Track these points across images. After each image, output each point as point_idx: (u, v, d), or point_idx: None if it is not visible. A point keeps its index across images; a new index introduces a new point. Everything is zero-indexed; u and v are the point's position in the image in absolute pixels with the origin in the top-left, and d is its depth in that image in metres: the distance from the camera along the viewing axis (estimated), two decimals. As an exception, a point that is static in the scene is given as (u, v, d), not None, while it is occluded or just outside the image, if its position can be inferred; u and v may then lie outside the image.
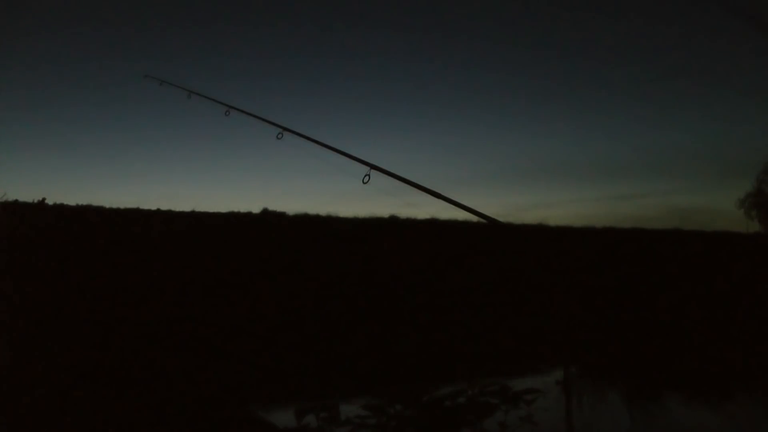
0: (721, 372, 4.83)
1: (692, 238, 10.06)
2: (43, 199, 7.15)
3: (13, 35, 12.30)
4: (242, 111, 4.28)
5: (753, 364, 4.96)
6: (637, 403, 4.25)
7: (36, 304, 4.93)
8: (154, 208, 7.68)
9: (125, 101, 13.81)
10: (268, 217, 8.45)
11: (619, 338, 5.70)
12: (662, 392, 4.46)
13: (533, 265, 6.55)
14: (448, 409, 2.84)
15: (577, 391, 4.46)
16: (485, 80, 15.45)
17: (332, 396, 3.29)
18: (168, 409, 3.35)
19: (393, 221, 8.65)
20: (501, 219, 3.11)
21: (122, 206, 7.55)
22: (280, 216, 8.50)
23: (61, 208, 7.24)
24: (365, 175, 3.20)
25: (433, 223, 8.58)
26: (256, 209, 8.54)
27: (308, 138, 3.75)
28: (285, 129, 3.87)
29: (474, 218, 3.07)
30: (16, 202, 6.79)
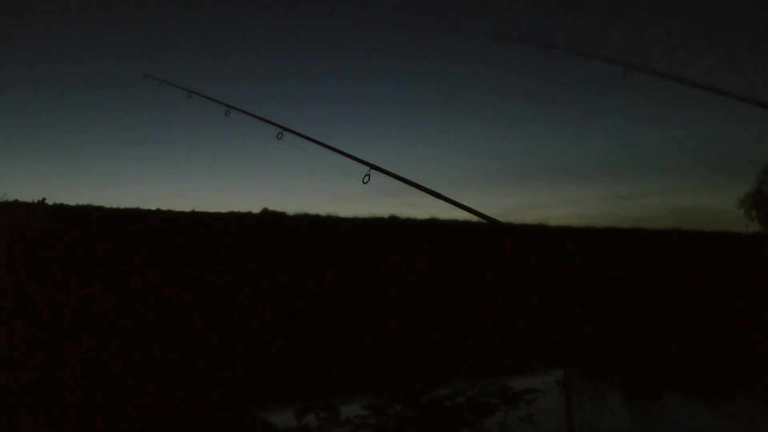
0: (721, 372, 4.82)
1: (692, 238, 10.06)
2: (43, 199, 7.15)
3: (13, 35, 12.29)
4: (242, 111, 4.28)
5: (753, 364, 4.96)
6: (637, 403, 4.24)
7: (36, 304, 4.93)
8: (154, 208, 7.67)
9: (125, 101, 13.78)
10: (268, 217, 8.45)
11: (619, 338, 5.70)
12: (662, 392, 4.46)
13: (533, 265, 6.55)
14: (448, 409, 2.85)
15: (577, 391, 4.46)
16: (485, 80, 15.43)
17: (332, 396, 3.30)
18: (168, 409, 3.35)
19: (393, 221, 8.65)
20: (501, 219, 3.11)
21: (122, 206, 7.54)
22: (280, 216, 8.49)
23: (61, 208, 7.24)
24: (365, 175, 3.20)
25: (433, 223, 8.58)
26: (256, 209, 8.53)
27: (308, 138, 3.75)
28: (285, 129, 3.87)
29: (474, 218, 3.07)
30: (16, 202, 6.79)
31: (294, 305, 5.94)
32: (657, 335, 5.87)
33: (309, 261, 6.90)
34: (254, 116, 4.17)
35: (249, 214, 8.39)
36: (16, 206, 6.71)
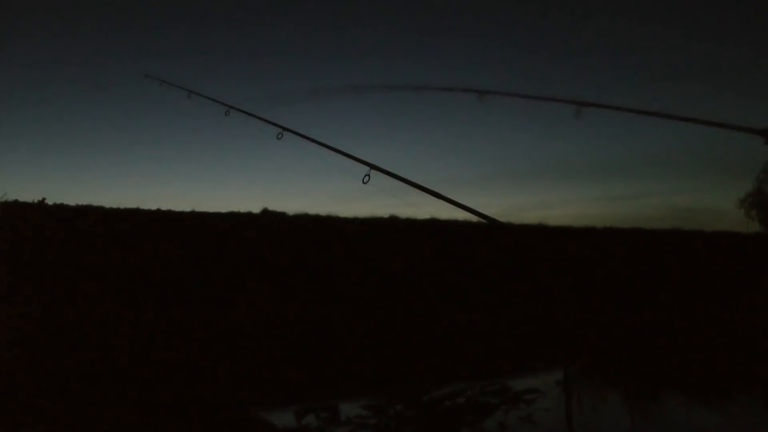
0: (721, 372, 4.82)
1: (692, 238, 10.05)
2: (43, 199, 7.14)
3: (13, 35, 12.29)
4: (242, 111, 4.29)
5: (753, 364, 4.96)
6: (637, 403, 4.24)
7: (36, 304, 4.93)
8: (154, 208, 7.66)
9: (125, 101, 13.78)
10: (268, 217, 8.45)
11: (619, 338, 5.70)
12: (662, 392, 4.46)
13: (533, 265, 6.55)
14: (448, 409, 2.85)
15: (577, 391, 4.46)
16: (485, 80, 15.43)
17: (332, 396, 3.30)
18: (168, 409, 3.35)
19: (393, 221, 8.64)
20: (501, 219, 3.11)
21: (122, 206, 7.53)
22: (280, 216, 8.49)
23: (61, 208, 7.23)
24: (365, 175, 3.20)
25: (433, 223, 8.58)
26: (256, 209, 8.52)
27: (308, 138, 3.76)
28: (285, 129, 3.87)
29: (474, 218, 3.07)
30: (16, 202, 6.79)
31: (294, 305, 5.94)
32: (657, 335, 5.87)
33: (309, 261, 6.90)
34: (254, 116, 4.18)
35: (249, 214, 8.38)
36: (16, 206, 6.71)
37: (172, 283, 5.86)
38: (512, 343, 5.67)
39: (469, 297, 6.69)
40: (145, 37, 13.77)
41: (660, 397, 4.34)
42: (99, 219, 7.03)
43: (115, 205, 7.45)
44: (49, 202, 7.15)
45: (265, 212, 8.49)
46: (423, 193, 3.10)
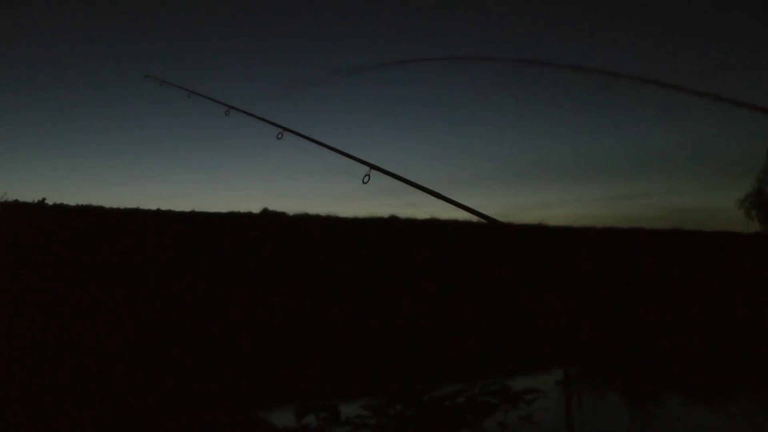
0: (721, 372, 4.83)
1: (692, 238, 10.05)
2: (43, 199, 7.15)
3: (13, 35, 12.29)
4: (242, 111, 4.29)
5: (753, 364, 4.96)
6: (637, 403, 4.24)
7: (36, 304, 4.93)
8: (154, 208, 7.67)
9: (125, 101, 13.79)
10: (268, 217, 8.45)
11: (619, 338, 5.70)
12: (662, 392, 4.46)
13: (533, 265, 6.55)
14: (448, 409, 2.85)
15: (577, 391, 4.46)
16: (485, 80, 15.43)
17: (332, 396, 3.30)
18: (168, 409, 3.35)
19: (393, 221, 8.64)
20: (501, 219, 3.11)
21: (122, 206, 7.54)
22: (280, 216, 8.49)
23: (61, 208, 7.24)
24: (365, 175, 3.20)
25: (433, 223, 8.58)
26: (256, 209, 8.52)
27: (308, 138, 3.76)
28: (285, 129, 3.87)
29: (474, 218, 3.07)
30: (16, 202, 6.79)
31: (294, 305, 5.94)
32: (657, 335, 5.87)
33: (309, 261, 6.90)
34: (254, 116, 4.18)
35: (249, 214, 8.38)
36: (16, 206, 6.71)
37: (172, 283, 5.86)
38: (512, 343, 5.67)
39: (469, 297, 6.69)
40: (145, 37, 13.78)
41: (660, 397, 4.34)
42: (99, 219, 7.03)
43: (115, 205, 7.46)
44: (49, 202, 7.16)
45: (265, 212, 8.50)
46: (423, 193, 3.10)
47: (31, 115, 13.25)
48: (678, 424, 3.68)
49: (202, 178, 14.93)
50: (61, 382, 3.60)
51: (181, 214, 7.75)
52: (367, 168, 3.22)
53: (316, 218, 8.45)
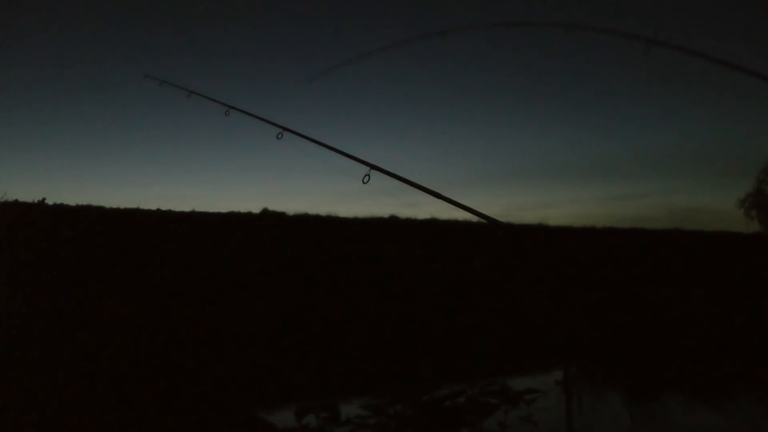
0: (721, 372, 4.82)
1: (692, 238, 10.05)
2: (43, 199, 7.15)
3: (13, 35, 12.29)
4: (242, 111, 4.29)
5: (753, 364, 4.96)
6: (637, 403, 4.24)
7: (36, 304, 4.93)
8: (154, 208, 7.67)
9: (125, 101, 13.79)
10: (268, 217, 8.45)
11: (619, 338, 5.70)
12: (662, 392, 4.46)
13: (533, 265, 6.54)
14: (448, 409, 2.85)
15: (577, 391, 4.46)
16: (485, 80, 15.43)
17: (332, 396, 3.30)
18: (168, 409, 3.35)
19: (393, 221, 8.65)
20: (501, 219, 3.11)
21: (122, 206, 7.54)
22: (280, 216, 8.49)
23: (61, 208, 7.24)
24: (365, 175, 3.20)
25: (433, 223, 8.58)
26: (256, 209, 8.53)
27: (308, 138, 3.76)
28: (285, 129, 3.87)
29: (474, 218, 3.08)
30: (16, 202, 6.79)
31: (294, 305, 5.94)
32: (657, 335, 5.87)
33: (309, 261, 6.90)
34: (254, 116, 4.18)
35: (249, 214, 8.39)
36: (16, 206, 6.71)
37: (172, 283, 5.86)
38: (512, 343, 5.67)
39: (469, 297, 6.69)
40: (145, 37, 13.78)
41: (660, 397, 4.34)
42: (99, 219, 7.03)
43: (115, 205, 7.47)
44: (49, 202, 7.16)
45: (265, 212, 8.50)
46: (423, 193, 3.10)
47: (31, 115, 13.25)
48: (678, 423, 3.68)
49: (202, 178, 14.93)
50: (61, 382, 3.60)
51: (181, 214, 7.76)
52: (367, 168, 3.23)
53: (316, 218, 8.46)
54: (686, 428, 3.59)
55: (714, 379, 4.69)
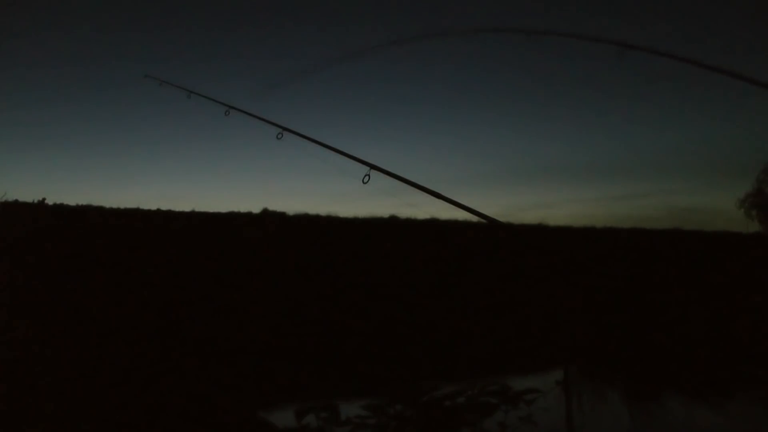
0: (721, 372, 4.82)
1: (692, 238, 10.05)
2: (43, 199, 7.15)
3: (13, 35, 12.29)
4: (242, 111, 4.29)
5: (753, 364, 4.96)
6: (637, 403, 4.24)
7: (36, 304, 4.93)
8: (154, 208, 7.68)
9: (125, 101, 13.80)
10: (268, 217, 8.45)
11: (619, 338, 5.70)
12: (662, 392, 4.46)
13: (533, 265, 6.54)
14: (448, 409, 2.85)
15: (577, 391, 4.46)
16: (485, 80, 15.44)
17: (332, 396, 3.30)
18: (167, 409, 3.35)
19: (393, 221, 8.64)
20: (501, 219, 3.12)
21: (122, 206, 7.54)
22: (280, 216, 8.49)
23: (61, 208, 7.24)
24: (365, 175, 3.21)
25: (433, 223, 8.58)
26: (256, 209, 8.53)
27: (308, 138, 3.76)
28: (285, 129, 3.88)
29: (474, 218, 3.08)
30: (16, 202, 6.79)
31: (294, 305, 5.94)
32: (657, 335, 5.87)
33: (309, 261, 6.90)
34: (254, 116, 4.19)
35: (249, 214, 8.39)
36: (16, 206, 6.72)
37: (172, 283, 5.86)
38: (512, 343, 5.67)
39: (469, 297, 6.69)
40: (145, 37, 13.78)
41: (660, 397, 4.34)
42: (99, 219, 7.03)
43: (115, 205, 7.47)
44: (49, 202, 7.17)
45: (265, 212, 8.50)
46: (423, 193, 3.10)
47: (31, 115, 13.26)
48: (678, 424, 3.68)
49: (202, 178, 14.94)
50: (61, 382, 3.60)
51: (181, 214, 7.76)
52: (367, 168, 3.23)
53: (316, 218, 8.46)
54: (686, 428, 3.59)
55: (714, 379, 4.69)
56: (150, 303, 5.40)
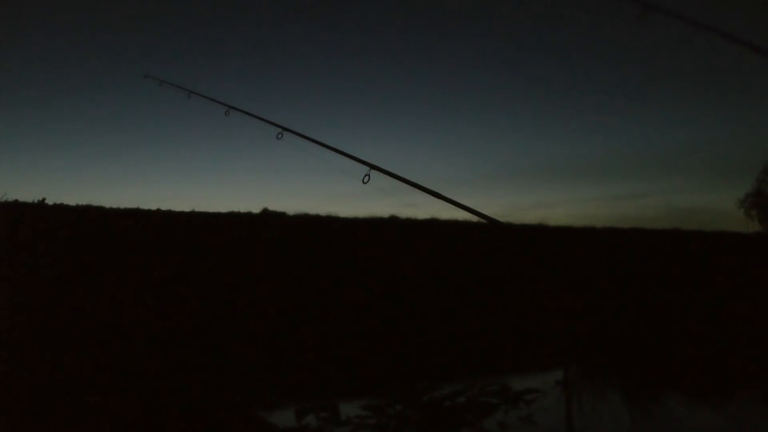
0: (721, 372, 4.83)
1: (692, 238, 10.05)
2: (43, 199, 7.16)
3: (13, 35, 12.29)
4: (242, 111, 4.30)
5: (753, 364, 4.96)
6: (637, 403, 4.25)
7: (36, 304, 4.93)
8: (154, 208, 7.68)
9: (125, 101, 13.82)
10: (268, 217, 8.45)
11: (619, 338, 5.70)
12: (662, 392, 4.46)
13: (533, 265, 6.55)
14: (448, 409, 2.85)
15: (577, 391, 4.46)
16: (485, 80, 15.44)
17: (332, 396, 3.30)
18: (167, 409, 3.35)
19: (393, 221, 8.65)
20: (501, 219, 3.12)
21: (122, 206, 7.55)
22: (280, 216, 8.50)
23: (61, 208, 7.24)
24: (365, 175, 3.21)
25: (433, 223, 8.58)
26: (256, 209, 8.54)
27: (308, 138, 3.77)
28: (285, 129, 3.88)
29: (474, 218, 3.08)
30: (16, 202, 6.80)
31: (294, 305, 5.94)
32: (657, 335, 5.88)
33: (309, 261, 6.90)
34: (254, 116, 4.19)
35: (249, 214, 8.39)
36: (16, 206, 6.72)
37: (172, 283, 5.86)
38: (512, 343, 5.67)
39: (469, 297, 6.69)
40: (145, 37, 13.79)
41: (660, 397, 4.34)
42: (99, 219, 7.04)
43: (115, 205, 7.48)
44: (49, 202, 7.17)
45: (265, 212, 8.51)
46: (423, 193, 3.11)
47: (31, 115, 13.26)
48: (678, 424, 3.68)
49: (202, 178, 14.96)
50: (61, 382, 3.60)
51: (181, 214, 7.77)
52: (367, 168, 3.23)
53: (316, 218, 8.46)
54: (686, 428, 3.59)
55: (714, 379, 4.69)
56: (149, 302, 5.40)
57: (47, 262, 5.68)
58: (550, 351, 5.48)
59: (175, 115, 13.10)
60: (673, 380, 4.73)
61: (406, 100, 15.43)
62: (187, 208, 7.86)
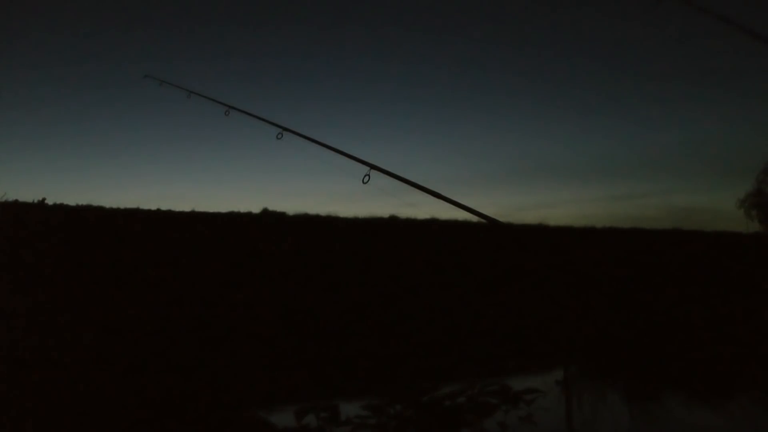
0: (721, 372, 4.82)
1: (692, 238, 10.05)
2: (43, 199, 7.16)
3: (13, 35, 12.29)
4: (242, 111, 4.29)
5: (753, 364, 4.96)
6: (637, 403, 4.24)
7: (36, 304, 4.93)
8: (154, 208, 7.69)
9: (125, 101, 13.82)
10: (268, 217, 8.45)
11: (619, 338, 5.70)
12: (662, 392, 4.46)
13: (533, 264, 6.55)
14: (448, 409, 2.85)
15: (577, 391, 4.46)
16: (485, 80, 15.44)
17: (332, 396, 3.30)
18: (167, 409, 3.35)
19: (393, 221, 8.65)
20: (501, 219, 3.12)
21: (122, 206, 7.56)
22: (280, 216, 8.49)
23: (61, 208, 7.24)
24: (365, 175, 3.21)
25: (433, 223, 8.58)
26: (256, 209, 8.54)
27: (308, 138, 3.76)
28: (285, 129, 3.88)
29: (474, 218, 3.08)
30: (16, 202, 6.80)
31: (294, 305, 5.94)
32: (657, 335, 5.87)
33: (309, 261, 6.90)
34: (254, 116, 4.18)
35: (249, 214, 8.39)
36: (16, 206, 6.72)
37: (172, 283, 5.86)
38: (512, 343, 5.67)
39: (469, 297, 6.69)
40: (145, 37, 13.79)
41: (660, 397, 4.34)
42: (99, 219, 7.03)
43: (115, 205, 7.48)
44: (49, 202, 7.17)
45: (265, 212, 8.51)
46: (423, 193, 3.10)
47: (31, 115, 13.26)
48: (678, 424, 3.68)
49: (202, 178, 14.97)
50: (61, 382, 3.60)
51: (181, 214, 7.77)
52: (367, 168, 3.23)
53: (316, 218, 8.46)
54: (686, 428, 3.59)
55: (714, 379, 4.69)
56: (150, 302, 5.40)
57: (47, 262, 5.68)
58: (550, 351, 5.48)
59: (175, 115, 13.11)
60: (673, 380, 4.73)
61: (407, 100, 15.44)
62: (187, 208, 7.86)
